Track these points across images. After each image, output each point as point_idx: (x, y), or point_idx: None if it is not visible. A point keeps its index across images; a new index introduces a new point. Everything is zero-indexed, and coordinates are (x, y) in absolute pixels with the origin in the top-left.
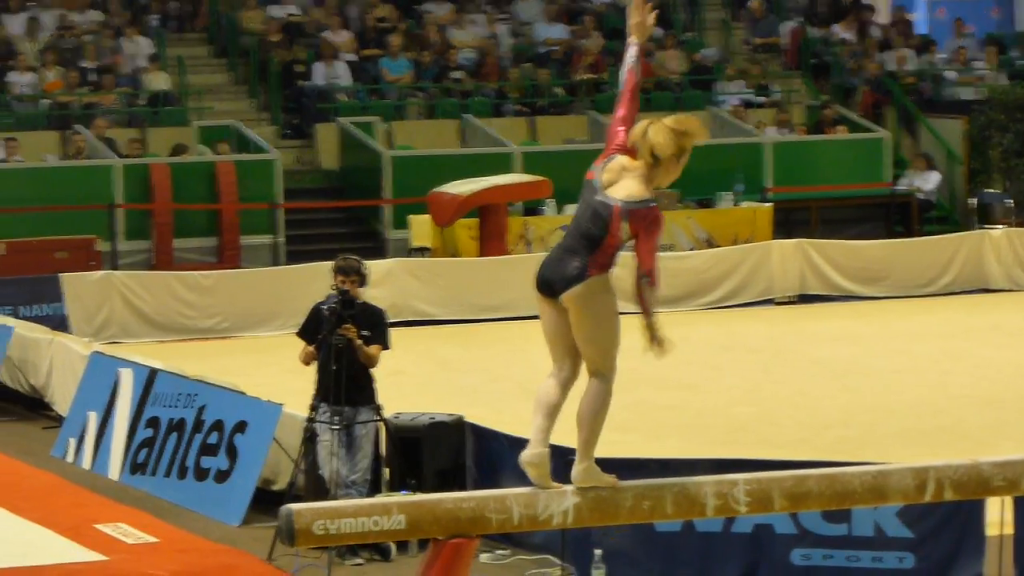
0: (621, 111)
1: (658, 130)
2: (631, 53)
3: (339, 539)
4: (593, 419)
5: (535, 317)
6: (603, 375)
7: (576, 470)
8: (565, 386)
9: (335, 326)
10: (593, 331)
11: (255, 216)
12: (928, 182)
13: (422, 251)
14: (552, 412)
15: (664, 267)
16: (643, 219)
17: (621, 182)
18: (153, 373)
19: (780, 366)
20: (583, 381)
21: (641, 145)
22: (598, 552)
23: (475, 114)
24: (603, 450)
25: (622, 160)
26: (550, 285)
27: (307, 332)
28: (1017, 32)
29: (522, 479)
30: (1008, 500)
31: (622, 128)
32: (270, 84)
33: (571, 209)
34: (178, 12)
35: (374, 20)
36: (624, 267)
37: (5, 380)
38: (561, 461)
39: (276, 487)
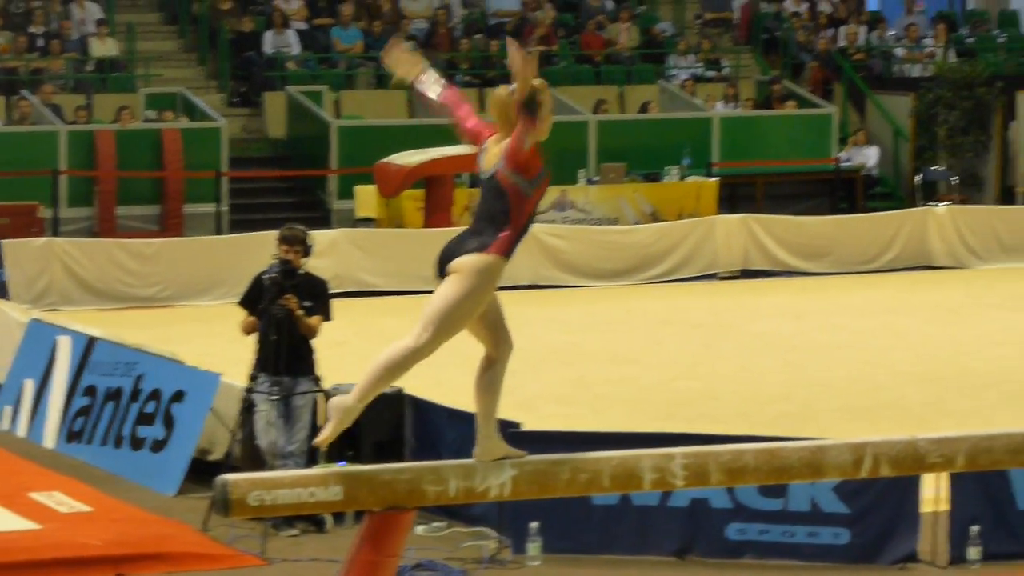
0: (459, 112)
1: (493, 92)
2: (430, 79)
3: (275, 510)
4: (381, 369)
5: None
6: (419, 336)
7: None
8: (489, 363)
9: (276, 296)
10: (446, 294)
11: (200, 184)
12: (868, 157)
13: (367, 222)
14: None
15: (609, 241)
16: (507, 153)
17: (492, 151)
18: (91, 341)
19: (722, 341)
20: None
21: (492, 115)
22: (534, 525)
23: None
24: (545, 423)
25: (488, 141)
26: (442, 264)
27: (248, 302)
28: (967, 10)
29: (460, 452)
30: (944, 477)
31: (471, 120)
32: (219, 52)
33: None
34: None
35: None
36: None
37: None
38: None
39: (213, 457)
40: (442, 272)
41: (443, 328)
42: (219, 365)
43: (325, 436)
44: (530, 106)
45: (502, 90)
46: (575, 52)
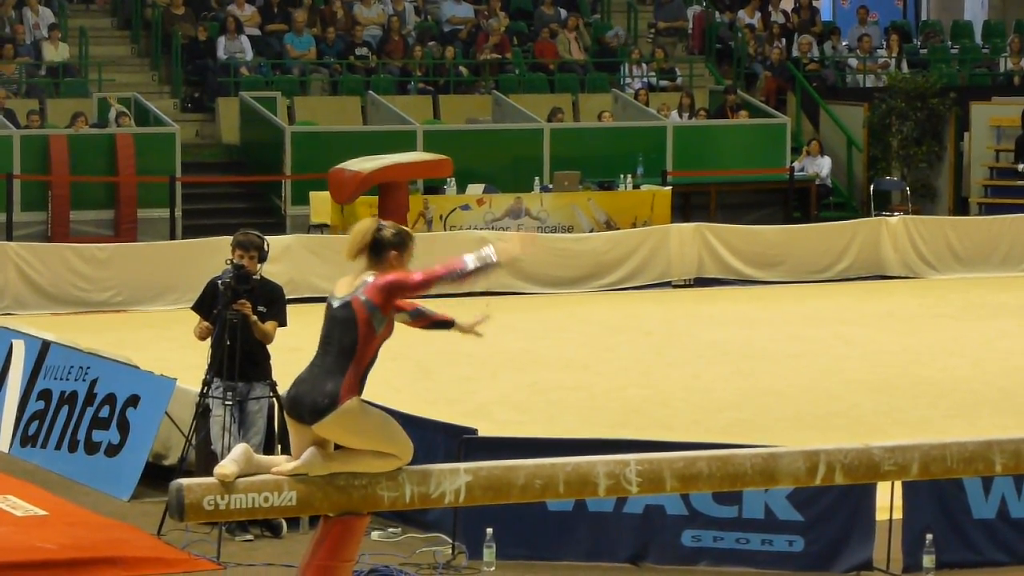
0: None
1: (360, 223)
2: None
3: (229, 515)
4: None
5: (432, 296)
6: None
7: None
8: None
9: (230, 301)
10: (366, 443)
11: (153, 189)
12: (820, 167)
13: (321, 228)
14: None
15: (564, 248)
16: (377, 285)
17: (342, 281)
18: (46, 345)
19: (675, 349)
20: None
21: (352, 242)
22: (489, 531)
23: (379, 91)
24: (498, 429)
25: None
26: (299, 413)
27: (202, 306)
28: (921, 21)
29: (415, 458)
30: (898, 485)
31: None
32: (173, 57)
33: (473, 189)
34: None
35: None
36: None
37: None
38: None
39: (167, 462)
40: (305, 419)
41: (400, 442)
42: (174, 370)
43: (283, 470)
44: (403, 247)
45: (370, 222)
46: (529, 60)
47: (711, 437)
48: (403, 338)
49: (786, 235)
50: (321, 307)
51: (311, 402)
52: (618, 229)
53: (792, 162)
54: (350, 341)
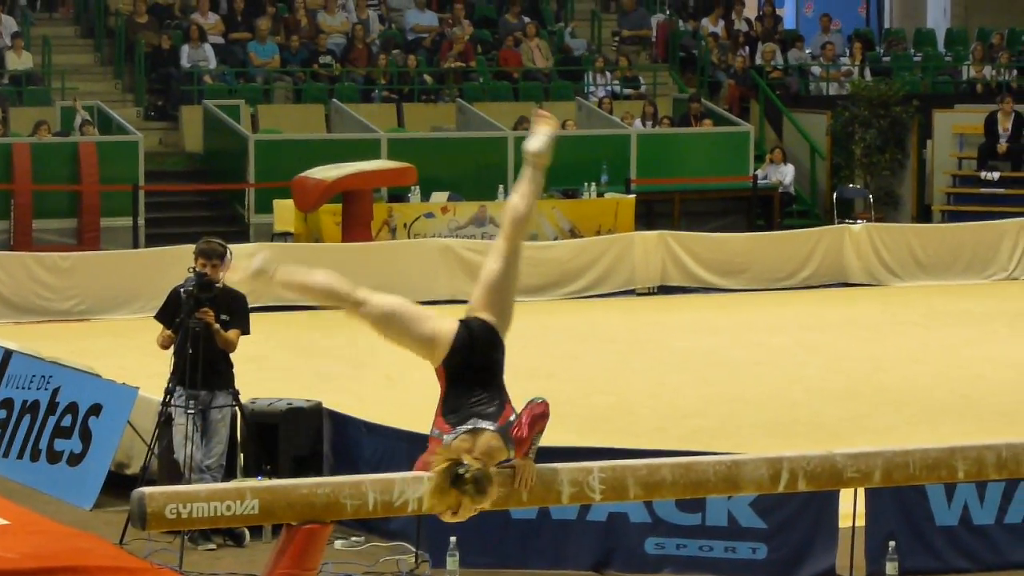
0: None
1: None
2: None
3: (191, 523)
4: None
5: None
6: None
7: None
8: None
9: (192, 309)
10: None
11: (116, 198)
12: (783, 175)
13: (285, 236)
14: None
15: (528, 256)
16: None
17: None
18: (7, 354)
19: (639, 356)
20: None
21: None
22: (453, 539)
23: (343, 100)
24: None
25: None
26: None
27: (165, 315)
28: (884, 29)
29: (378, 466)
30: (861, 492)
31: None
32: (136, 65)
33: (437, 197)
34: None
35: (242, 3)
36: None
37: None
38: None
39: (130, 471)
40: None
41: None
42: (136, 379)
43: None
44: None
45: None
46: (493, 69)
47: (675, 444)
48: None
49: (749, 243)
50: (285, 315)
51: None
52: (582, 237)
53: (755, 170)
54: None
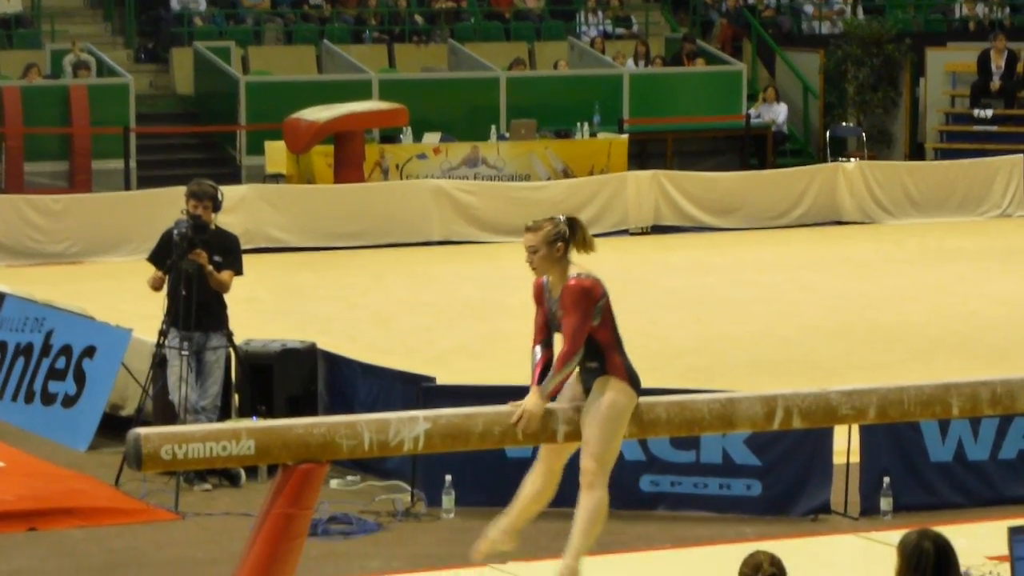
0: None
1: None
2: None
3: (187, 464)
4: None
5: (390, 245)
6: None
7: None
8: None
9: (185, 251)
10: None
11: (108, 140)
12: (777, 113)
13: (277, 177)
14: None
15: (521, 197)
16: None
17: None
18: (0, 297)
19: (632, 296)
20: None
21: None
22: (448, 478)
23: (333, 41)
24: (456, 377)
25: None
26: None
27: (158, 257)
28: None
29: (374, 406)
30: (855, 429)
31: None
32: (126, 7)
33: (429, 138)
34: None
35: None
36: None
37: None
38: None
39: (124, 413)
40: None
41: None
42: (129, 321)
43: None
44: None
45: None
46: (484, 9)
47: (669, 383)
48: (358, 287)
49: (742, 182)
50: (278, 257)
51: None
52: (575, 177)
53: (748, 109)
54: None
